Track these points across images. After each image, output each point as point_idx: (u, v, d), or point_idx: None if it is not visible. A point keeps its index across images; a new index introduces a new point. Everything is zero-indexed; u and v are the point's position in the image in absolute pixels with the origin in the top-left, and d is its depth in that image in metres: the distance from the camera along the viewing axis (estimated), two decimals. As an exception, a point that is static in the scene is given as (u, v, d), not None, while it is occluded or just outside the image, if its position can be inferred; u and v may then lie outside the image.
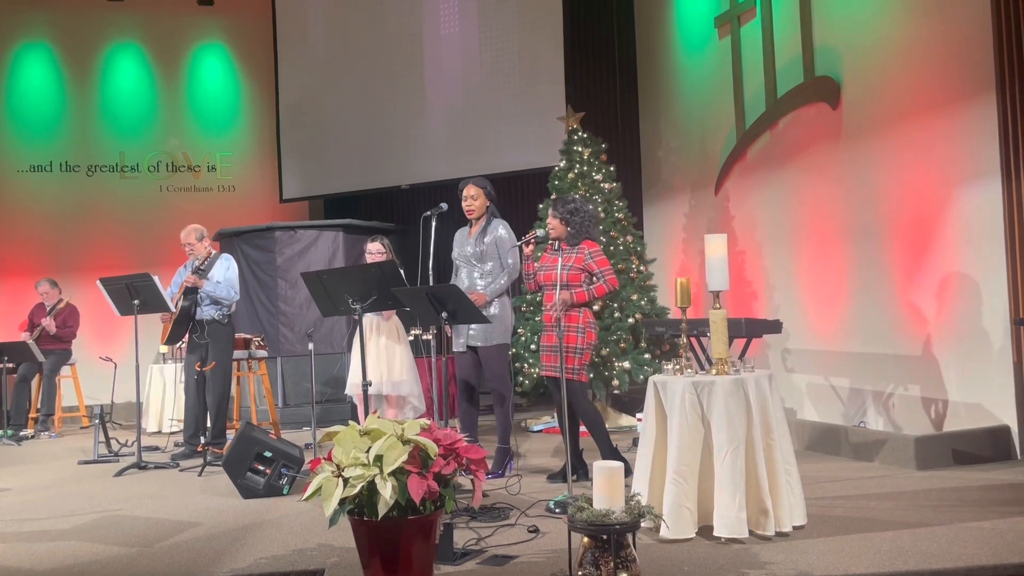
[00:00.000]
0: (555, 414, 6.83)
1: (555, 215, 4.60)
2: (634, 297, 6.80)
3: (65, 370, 8.28)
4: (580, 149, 7.24)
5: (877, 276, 5.66)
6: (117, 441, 6.57)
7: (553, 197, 4.77)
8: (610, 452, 4.52)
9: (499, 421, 4.92)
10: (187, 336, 6.07)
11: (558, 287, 4.36)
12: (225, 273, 6.00)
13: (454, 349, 4.97)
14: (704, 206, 7.90)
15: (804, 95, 6.37)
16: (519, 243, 4.73)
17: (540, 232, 4.57)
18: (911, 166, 5.38)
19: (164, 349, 8.13)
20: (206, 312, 5.97)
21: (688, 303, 3.74)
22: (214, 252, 6.12)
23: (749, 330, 5.63)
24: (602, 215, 6.99)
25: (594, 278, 4.52)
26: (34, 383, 8.07)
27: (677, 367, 3.57)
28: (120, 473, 5.49)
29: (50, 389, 8.00)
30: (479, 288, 4.88)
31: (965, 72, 4.99)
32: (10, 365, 7.82)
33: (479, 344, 4.87)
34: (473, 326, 4.84)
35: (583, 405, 4.54)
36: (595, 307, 6.72)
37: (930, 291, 5.25)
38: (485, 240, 4.93)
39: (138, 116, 10.20)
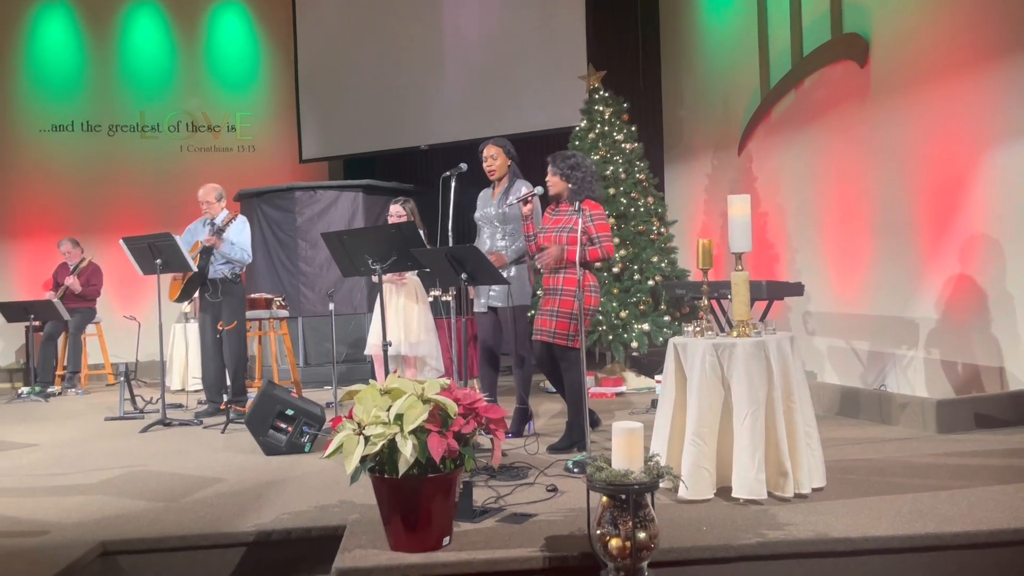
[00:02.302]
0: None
1: (555, 171, 4.37)
2: (654, 259, 6.76)
3: (90, 328, 8.39)
4: (601, 109, 7.15)
5: (902, 238, 5.59)
6: (142, 398, 6.67)
7: (552, 154, 4.46)
8: (579, 429, 4.31)
9: (518, 383, 4.92)
10: (197, 295, 6.14)
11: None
12: (239, 235, 6.05)
13: (475, 310, 4.97)
14: (726, 167, 7.81)
15: (831, 53, 6.23)
16: (516, 201, 4.60)
17: (538, 190, 4.40)
18: (940, 126, 5.27)
19: (187, 308, 8.21)
20: (219, 271, 6.03)
21: (710, 265, 3.70)
22: (227, 212, 6.15)
23: (770, 292, 5.59)
24: (623, 176, 6.93)
25: (591, 242, 4.25)
26: (60, 341, 8.19)
27: (698, 329, 3.55)
28: (145, 430, 5.58)
29: (76, 347, 8.12)
30: (500, 250, 4.86)
31: (998, 30, 4.85)
32: (37, 323, 7.93)
33: (499, 305, 4.86)
34: (494, 288, 4.82)
35: (572, 374, 4.35)
36: (615, 268, 6.70)
37: (955, 254, 5.17)
38: (509, 201, 4.89)
39: (158, 76, 10.19)
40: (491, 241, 4.92)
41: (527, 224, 4.53)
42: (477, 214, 5.02)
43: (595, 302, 4.37)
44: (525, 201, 4.44)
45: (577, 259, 4.05)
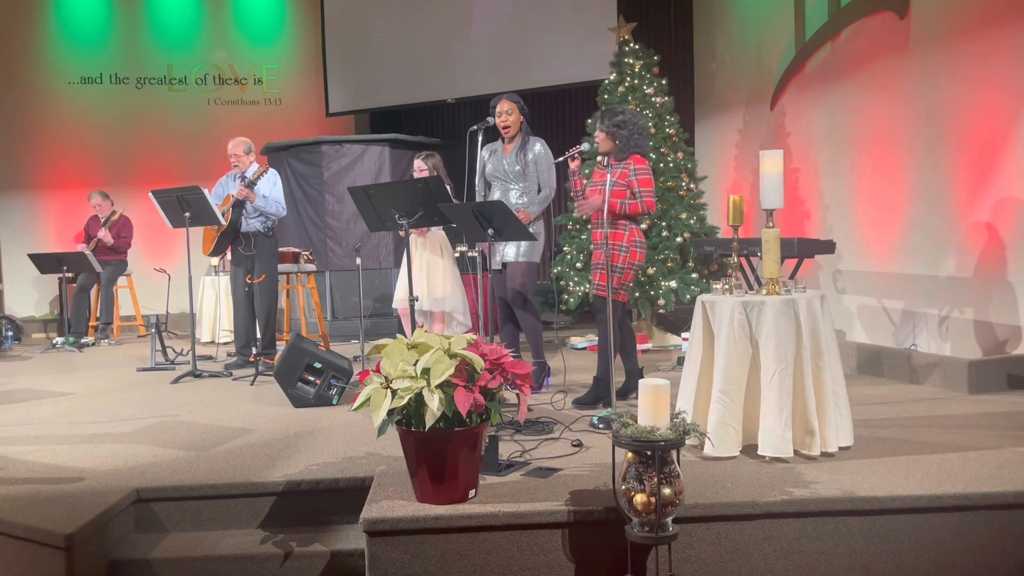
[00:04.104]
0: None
1: (601, 128, 4.38)
2: (683, 216, 6.68)
3: (122, 280, 8.51)
4: (631, 61, 7.02)
5: (937, 196, 5.46)
6: (173, 350, 6.78)
7: (602, 109, 4.46)
8: (604, 385, 4.29)
9: (529, 337, 4.93)
10: (230, 248, 6.17)
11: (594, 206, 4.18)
12: (272, 189, 6.04)
13: (491, 267, 4.97)
14: (758, 122, 7.66)
15: (870, 3, 6.04)
16: (562, 158, 4.58)
17: (585, 147, 4.39)
18: (981, 81, 5.11)
19: (215, 262, 8.29)
20: (252, 225, 6.04)
21: (741, 221, 3.65)
22: (258, 166, 6.14)
23: (801, 250, 5.52)
24: (652, 131, 6.82)
25: (633, 195, 4.30)
26: (93, 293, 8.32)
27: (726, 286, 3.51)
28: (176, 380, 5.67)
29: (108, 299, 8.25)
30: (517, 206, 4.82)
31: (1047, -23, 4.67)
32: (69, 275, 8.05)
33: (510, 260, 4.87)
34: (509, 244, 4.82)
35: (601, 328, 4.35)
36: (643, 225, 6.63)
37: (992, 213, 5.05)
38: (527, 157, 4.84)
39: (185, 28, 10.14)
40: (504, 197, 4.88)
41: (575, 180, 4.53)
42: (488, 169, 4.97)
43: (640, 257, 4.40)
44: (572, 158, 4.41)
45: (611, 210, 4.01)
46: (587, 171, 6.28)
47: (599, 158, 4.52)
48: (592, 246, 4.57)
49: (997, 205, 5.03)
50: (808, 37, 6.78)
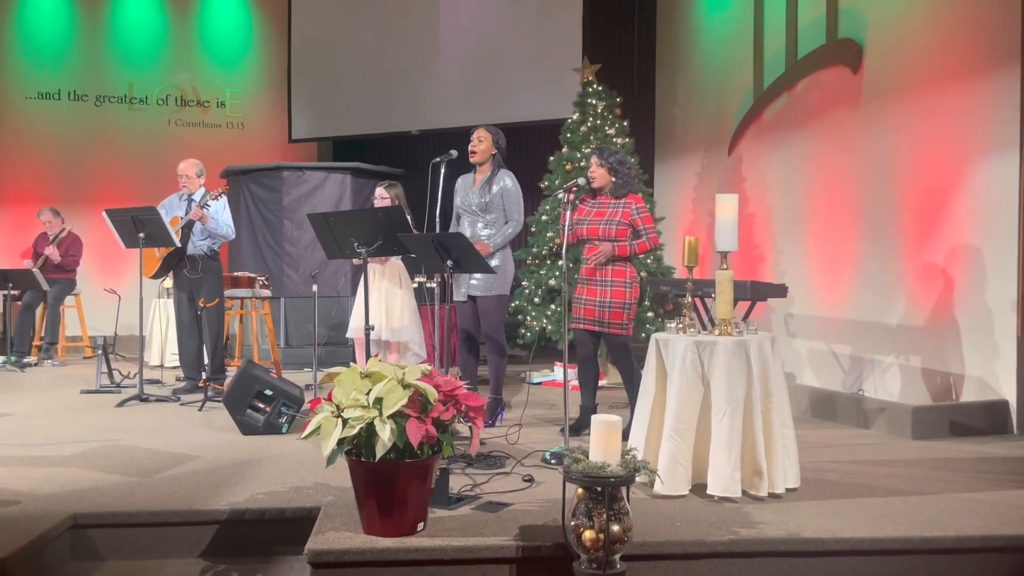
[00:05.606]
0: (555, 367, 6.86)
1: (602, 164, 4.50)
2: (640, 255, 6.76)
3: (69, 300, 8.30)
4: (594, 102, 7.13)
5: (886, 245, 5.63)
6: (119, 372, 6.62)
7: (597, 147, 4.64)
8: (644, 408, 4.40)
9: (493, 372, 4.94)
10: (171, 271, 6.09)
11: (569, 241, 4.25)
12: (222, 212, 6.00)
13: (455, 299, 4.97)
14: (716, 166, 7.83)
15: (825, 57, 6.25)
16: (560, 193, 4.60)
17: (581, 181, 4.44)
18: (929, 135, 5.31)
19: (168, 283, 8.14)
20: (199, 247, 5.97)
21: (695, 262, 3.71)
22: (205, 189, 6.09)
23: (754, 293, 5.62)
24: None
25: (638, 235, 4.46)
26: (38, 311, 8.10)
27: (680, 326, 3.56)
28: (122, 404, 5.53)
29: (54, 318, 8.04)
30: (482, 238, 4.85)
31: (991, 42, 4.89)
32: (15, 292, 7.85)
33: (479, 294, 4.87)
34: (475, 276, 4.82)
35: (631, 361, 4.52)
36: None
37: (938, 263, 5.21)
38: (492, 190, 4.88)
39: (148, 47, 10.05)
40: (472, 229, 4.90)
41: (564, 215, 4.56)
42: (457, 201, 5.00)
43: (638, 292, 4.59)
44: (569, 191, 4.45)
45: (599, 250, 4.10)
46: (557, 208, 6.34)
47: (562, 194, 4.51)
48: (581, 282, 4.61)
49: (944, 255, 5.19)
50: (766, 86, 6.98)
